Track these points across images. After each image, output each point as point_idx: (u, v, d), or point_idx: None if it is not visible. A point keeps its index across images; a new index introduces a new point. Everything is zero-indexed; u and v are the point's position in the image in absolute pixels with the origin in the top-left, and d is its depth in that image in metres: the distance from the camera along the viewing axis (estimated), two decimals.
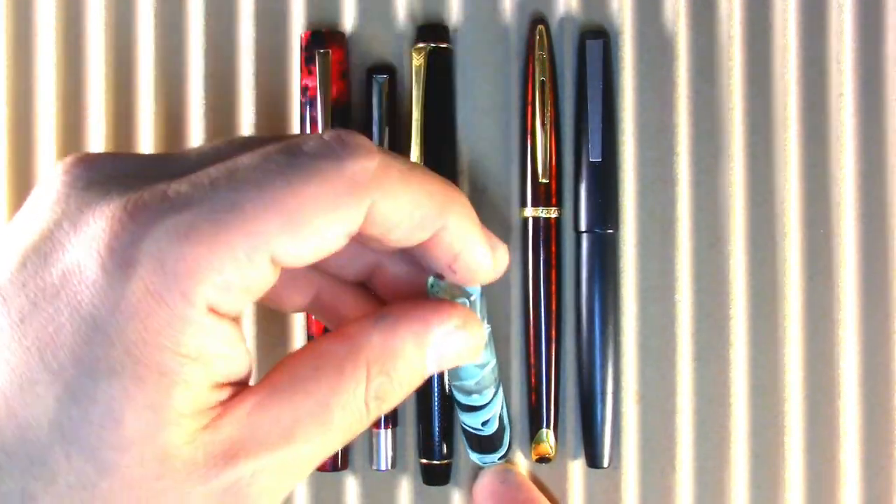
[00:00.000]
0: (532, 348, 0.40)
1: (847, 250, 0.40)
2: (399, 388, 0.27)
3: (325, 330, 0.37)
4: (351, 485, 0.41)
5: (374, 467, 0.40)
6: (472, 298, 0.29)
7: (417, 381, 0.28)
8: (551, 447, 0.40)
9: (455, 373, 0.32)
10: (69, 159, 0.25)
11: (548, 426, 0.39)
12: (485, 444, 0.38)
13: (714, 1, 0.40)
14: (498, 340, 0.40)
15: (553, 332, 0.39)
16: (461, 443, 0.40)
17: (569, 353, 0.40)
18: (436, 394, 0.39)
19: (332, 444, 0.26)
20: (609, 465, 0.40)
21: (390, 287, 0.31)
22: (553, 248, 0.40)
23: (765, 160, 0.40)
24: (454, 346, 0.28)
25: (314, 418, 0.25)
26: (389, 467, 0.40)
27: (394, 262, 0.31)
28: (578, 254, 0.40)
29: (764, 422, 0.40)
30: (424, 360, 0.27)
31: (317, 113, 0.39)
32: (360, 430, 0.27)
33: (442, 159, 0.39)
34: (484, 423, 0.36)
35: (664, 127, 0.40)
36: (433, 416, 0.39)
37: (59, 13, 0.41)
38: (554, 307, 0.40)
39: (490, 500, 0.39)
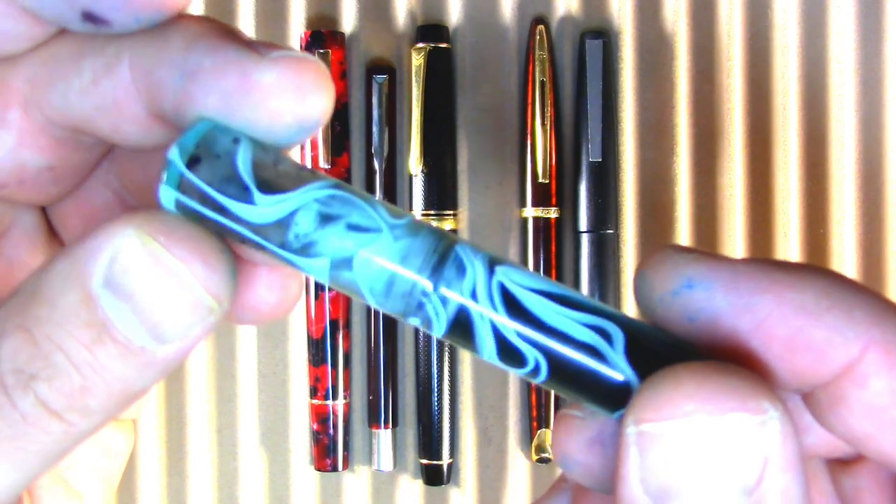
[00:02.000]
0: None
1: (847, 250, 0.40)
2: (53, 350, 0.17)
3: None
4: (351, 485, 0.41)
5: (375, 467, 0.40)
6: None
7: (85, 335, 0.17)
8: (551, 447, 0.40)
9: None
10: None
11: (548, 426, 0.39)
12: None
13: (714, 1, 0.40)
14: None
15: None
16: (461, 443, 0.40)
17: None
18: (435, 393, 0.39)
19: None
20: None
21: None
22: (553, 248, 0.40)
23: (765, 160, 0.40)
24: (129, 268, 0.17)
25: None
26: (390, 467, 0.40)
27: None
28: (578, 254, 0.40)
29: None
30: (87, 297, 0.17)
31: None
32: (37, 443, 0.17)
33: (442, 159, 0.39)
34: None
35: (664, 127, 0.40)
36: (433, 416, 0.39)
37: None
38: None
39: None
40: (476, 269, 0.17)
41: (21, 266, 0.22)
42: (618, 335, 0.17)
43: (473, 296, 0.17)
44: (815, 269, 0.17)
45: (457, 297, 0.17)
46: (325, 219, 0.17)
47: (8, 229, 0.22)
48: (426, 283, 0.17)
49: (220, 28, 0.18)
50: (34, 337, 0.17)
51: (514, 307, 0.17)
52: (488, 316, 0.17)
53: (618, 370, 0.17)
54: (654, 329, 0.17)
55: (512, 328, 0.17)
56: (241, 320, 0.21)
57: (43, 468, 0.18)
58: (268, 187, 0.17)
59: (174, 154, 0.17)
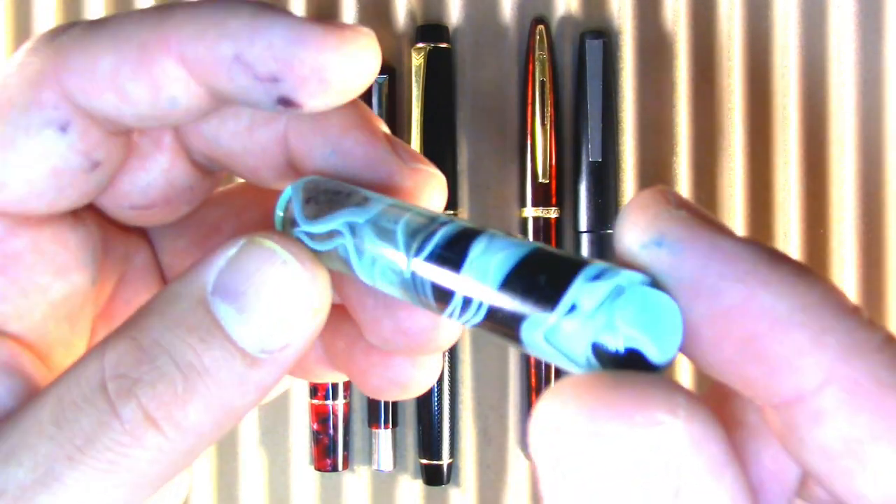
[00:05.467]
0: None
1: (847, 250, 0.40)
2: (159, 353, 0.17)
3: None
4: (351, 485, 0.41)
5: (375, 467, 0.40)
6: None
7: (193, 337, 0.17)
8: None
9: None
10: None
11: None
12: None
13: (714, 1, 0.40)
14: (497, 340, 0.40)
15: None
16: (461, 443, 0.40)
17: None
18: (435, 393, 0.39)
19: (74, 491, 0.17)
20: None
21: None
22: None
23: (765, 160, 0.40)
24: (243, 268, 0.17)
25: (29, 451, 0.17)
26: (390, 467, 0.40)
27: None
28: (578, 254, 0.39)
29: None
30: (197, 302, 0.17)
31: None
32: (137, 455, 0.17)
33: (442, 159, 0.39)
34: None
35: (664, 127, 0.40)
36: (433, 416, 0.39)
37: (58, 14, 0.41)
38: None
39: None
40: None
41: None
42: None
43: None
44: (805, 271, 0.14)
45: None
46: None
47: (127, 271, 0.22)
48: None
49: (370, 120, 0.20)
50: (140, 343, 0.17)
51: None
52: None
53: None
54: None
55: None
56: (381, 393, 0.22)
57: (134, 494, 0.17)
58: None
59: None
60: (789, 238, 0.40)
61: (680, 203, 0.15)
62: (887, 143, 0.40)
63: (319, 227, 0.18)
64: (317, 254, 0.18)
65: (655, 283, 0.14)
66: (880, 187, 0.40)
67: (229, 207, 0.23)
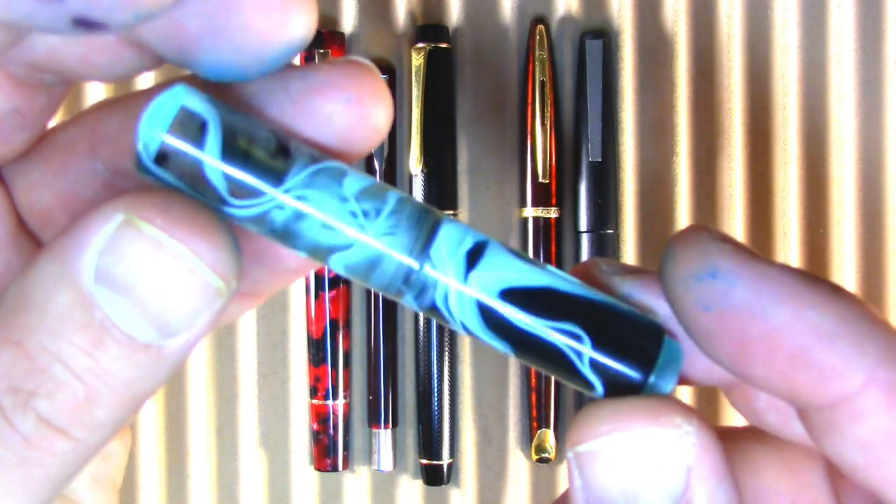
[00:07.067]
0: None
1: (847, 250, 0.40)
2: (51, 361, 0.15)
3: None
4: (351, 485, 0.41)
5: (375, 467, 0.40)
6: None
7: (84, 339, 0.15)
8: (551, 447, 0.40)
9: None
10: None
11: (548, 426, 0.40)
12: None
13: (714, 1, 0.40)
14: None
15: None
16: (461, 443, 0.40)
17: None
18: (435, 393, 0.39)
19: None
20: None
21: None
22: (553, 248, 0.40)
23: (765, 160, 0.40)
24: (125, 256, 0.15)
25: None
26: (390, 467, 0.40)
27: None
28: (578, 254, 0.40)
29: None
30: (79, 296, 0.15)
31: None
32: (34, 463, 0.16)
33: (442, 159, 0.39)
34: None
35: (664, 127, 0.40)
36: (433, 416, 0.39)
37: None
38: None
39: None
40: (448, 282, 0.17)
41: None
42: (585, 339, 0.17)
43: (447, 306, 0.17)
44: (839, 290, 0.16)
45: (429, 300, 0.17)
46: (299, 217, 0.16)
47: None
48: (403, 284, 0.17)
49: None
50: (26, 349, 0.15)
51: (489, 319, 0.17)
52: (460, 321, 0.17)
53: (586, 377, 0.17)
54: (619, 313, 0.17)
55: (484, 334, 0.17)
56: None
57: (54, 492, 0.16)
58: (239, 192, 0.16)
59: (140, 147, 0.16)
60: (789, 238, 0.40)
61: (723, 238, 0.17)
62: (887, 143, 0.40)
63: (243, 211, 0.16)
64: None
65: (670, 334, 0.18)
66: (880, 187, 0.40)
67: (81, 125, 0.19)
